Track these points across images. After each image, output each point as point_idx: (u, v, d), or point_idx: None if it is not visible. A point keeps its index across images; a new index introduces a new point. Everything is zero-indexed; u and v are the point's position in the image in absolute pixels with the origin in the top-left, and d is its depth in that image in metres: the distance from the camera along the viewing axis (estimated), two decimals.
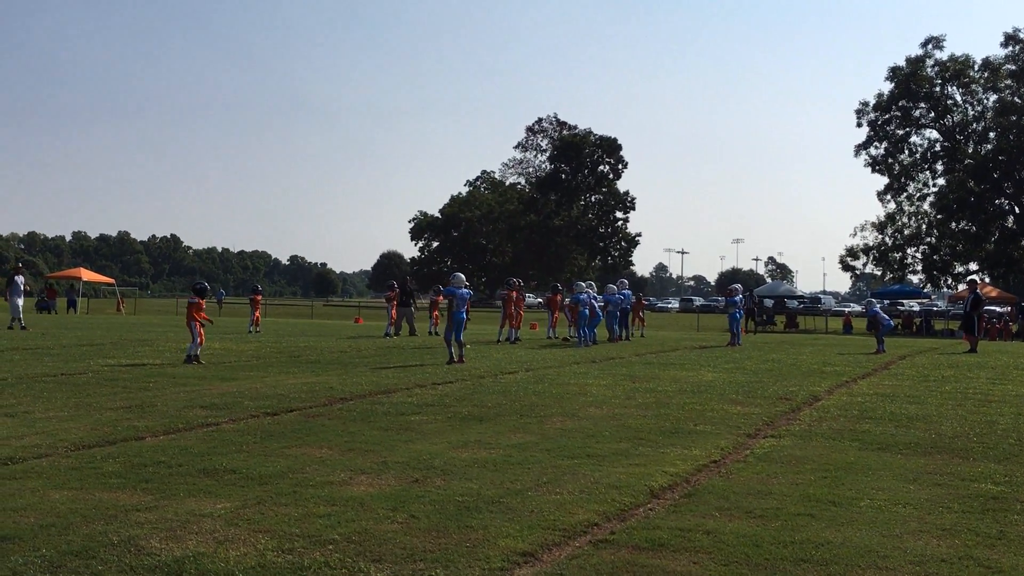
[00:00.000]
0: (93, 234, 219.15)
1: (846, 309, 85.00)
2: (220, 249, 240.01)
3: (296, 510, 6.35)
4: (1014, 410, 12.01)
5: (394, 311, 29.55)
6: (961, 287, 58.80)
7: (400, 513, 6.28)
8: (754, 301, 43.28)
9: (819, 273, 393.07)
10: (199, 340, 17.22)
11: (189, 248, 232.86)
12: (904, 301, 65.84)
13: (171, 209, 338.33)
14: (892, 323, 28.22)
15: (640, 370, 17.20)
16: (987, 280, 54.08)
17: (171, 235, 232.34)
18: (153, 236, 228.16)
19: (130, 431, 9.46)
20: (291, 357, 18.94)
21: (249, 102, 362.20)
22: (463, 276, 19.86)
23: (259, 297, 30.77)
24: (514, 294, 26.75)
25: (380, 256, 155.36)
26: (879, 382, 15.63)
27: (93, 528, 5.83)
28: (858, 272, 67.31)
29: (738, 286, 28.71)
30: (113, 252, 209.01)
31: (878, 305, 26.06)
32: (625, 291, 28.22)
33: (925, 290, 63.39)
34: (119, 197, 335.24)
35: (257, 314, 29.86)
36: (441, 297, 30.45)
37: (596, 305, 25.84)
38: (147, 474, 7.45)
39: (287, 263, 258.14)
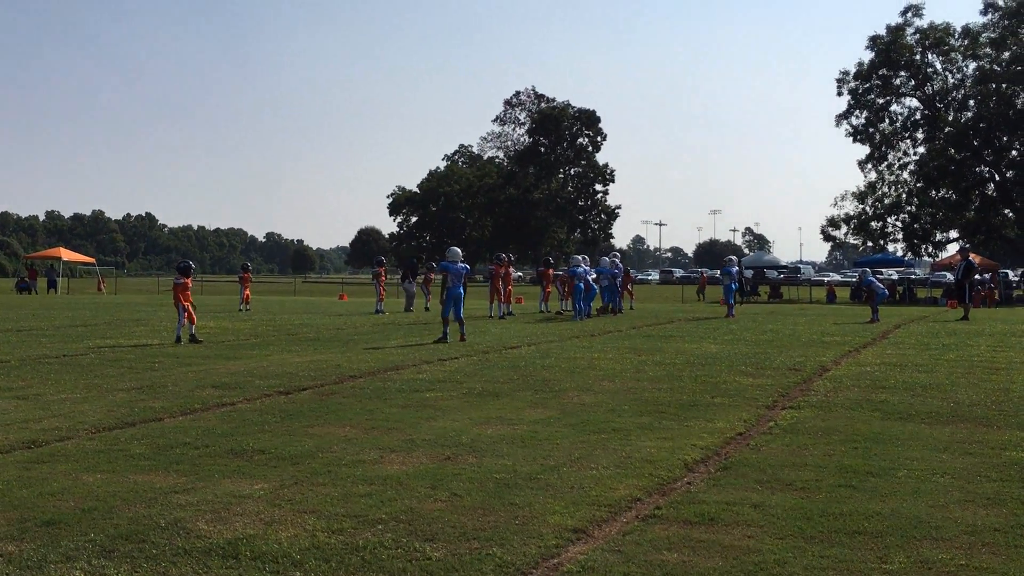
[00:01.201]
0: (67, 213, 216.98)
1: (825, 279, 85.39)
2: (196, 227, 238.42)
3: (335, 490, 6.30)
4: None
5: (382, 288, 29.42)
6: (944, 255, 59.19)
7: (441, 491, 6.25)
8: (741, 272, 43.42)
9: (796, 243, 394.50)
10: (185, 320, 17.04)
11: (164, 226, 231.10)
12: (883, 270, 66.20)
13: (146, 188, 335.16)
14: (886, 292, 28.36)
15: (642, 343, 17.21)
16: (968, 247, 54.36)
17: (146, 213, 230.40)
18: (128, 215, 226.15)
19: (148, 412, 9.39)
20: (289, 335, 18.84)
21: (223, 79, 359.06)
22: (459, 250, 19.58)
23: (249, 275, 30.63)
24: (502, 269, 26.68)
25: (358, 232, 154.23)
26: (883, 351, 15.70)
27: (136, 511, 5.78)
28: (839, 242, 67.47)
29: (733, 257, 28.76)
30: (87, 231, 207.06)
31: (872, 275, 26.16)
32: (619, 265, 28.23)
33: (906, 258, 63.70)
34: (93, 176, 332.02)
35: (247, 292, 29.71)
36: (433, 274, 30.43)
37: (590, 279, 25.84)
38: (176, 456, 7.39)
39: (263, 240, 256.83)
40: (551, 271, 29.69)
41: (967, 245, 36.13)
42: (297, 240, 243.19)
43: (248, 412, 9.50)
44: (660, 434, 8.25)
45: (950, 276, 53.82)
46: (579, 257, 26.52)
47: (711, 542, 5.20)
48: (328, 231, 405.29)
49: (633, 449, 7.59)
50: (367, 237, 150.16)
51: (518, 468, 6.90)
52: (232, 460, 7.25)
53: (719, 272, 28.10)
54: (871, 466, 6.97)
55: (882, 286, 26.12)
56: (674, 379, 11.89)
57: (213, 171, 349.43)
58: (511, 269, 28.39)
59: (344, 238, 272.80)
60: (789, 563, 4.85)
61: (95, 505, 5.93)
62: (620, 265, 28.59)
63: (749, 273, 55.94)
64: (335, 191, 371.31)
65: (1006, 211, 57.92)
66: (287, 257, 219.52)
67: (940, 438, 8.09)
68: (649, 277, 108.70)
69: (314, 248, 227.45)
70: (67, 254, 62.16)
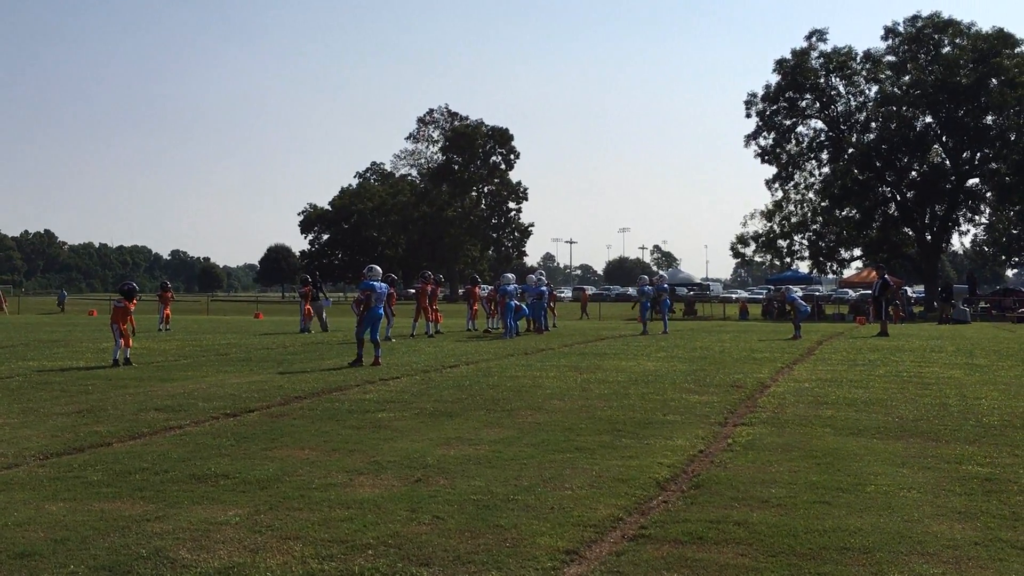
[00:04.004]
0: None
1: (733, 295, 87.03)
2: (98, 244, 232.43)
3: (313, 515, 6.19)
4: (956, 392, 12.48)
5: (308, 306, 29.04)
6: (848, 273, 60.99)
7: (422, 514, 6.19)
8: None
9: (702, 261, 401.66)
10: (123, 343, 16.48)
11: (64, 244, 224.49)
12: (791, 287, 67.75)
13: (44, 204, 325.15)
14: (808, 309, 29.01)
15: (579, 361, 17.29)
16: (883, 265, 55.92)
17: (45, 230, 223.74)
18: (25, 232, 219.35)
19: (95, 437, 9.10)
20: (219, 355, 18.45)
21: (125, 91, 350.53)
22: (379, 269, 18.75)
23: (169, 294, 30.00)
24: (428, 287, 26.57)
25: (268, 249, 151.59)
26: (814, 367, 16.04)
27: (112, 541, 5.60)
28: (747, 259, 68.91)
29: (664, 274, 29.18)
30: None
31: (796, 292, 26.77)
32: (545, 283, 28.37)
33: (813, 275, 65.38)
34: None
35: (167, 311, 29.03)
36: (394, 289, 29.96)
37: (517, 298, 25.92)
38: (137, 482, 7.18)
39: (168, 258, 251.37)
40: (478, 289, 29.69)
41: (882, 264, 36.95)
42: (204, 258, 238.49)
43: (200, 435, 9.27)
44: (623, 452, 8.30)
45: (852, 293, 55.49)
46: (510, 276, 26.55)
47: (708, 561, 5.24)
48: (236, 248, 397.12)
49: (602, 468, 7.61)
50: (277, 255, 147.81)
51: (493, 489, 6.86)
52: (197, 485, 7.06)
53: (641, 290, 28.22)
54: (839, 482, 7.10)
55: (804, 304, 26.73)
56: (622, 397, 11.97)
57: (115, 187, 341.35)
58: (438, 287, 28.24)
59: (252, 255, 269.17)
60: None
61: (67, 535, 5.72)
62: (546, 283, 28.74)
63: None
64: (243, 208, 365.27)
65: (906, 230, 59.90)
66: (194, 275, 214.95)
67: (896, 453, 8.29)
68: (561, 294, 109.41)
69: (221, 266, 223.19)
70: None
